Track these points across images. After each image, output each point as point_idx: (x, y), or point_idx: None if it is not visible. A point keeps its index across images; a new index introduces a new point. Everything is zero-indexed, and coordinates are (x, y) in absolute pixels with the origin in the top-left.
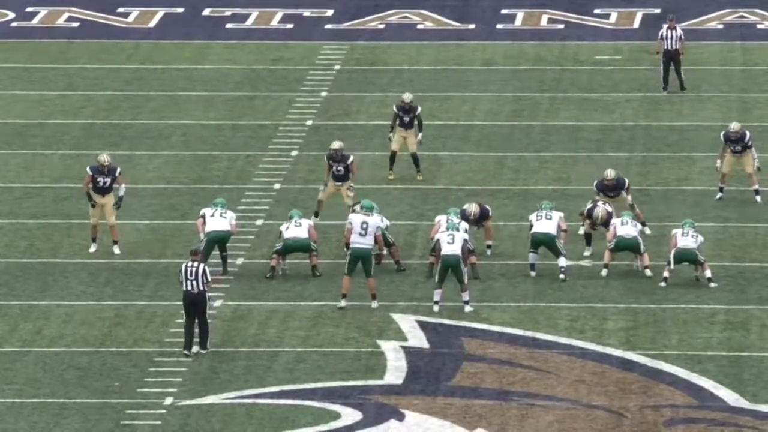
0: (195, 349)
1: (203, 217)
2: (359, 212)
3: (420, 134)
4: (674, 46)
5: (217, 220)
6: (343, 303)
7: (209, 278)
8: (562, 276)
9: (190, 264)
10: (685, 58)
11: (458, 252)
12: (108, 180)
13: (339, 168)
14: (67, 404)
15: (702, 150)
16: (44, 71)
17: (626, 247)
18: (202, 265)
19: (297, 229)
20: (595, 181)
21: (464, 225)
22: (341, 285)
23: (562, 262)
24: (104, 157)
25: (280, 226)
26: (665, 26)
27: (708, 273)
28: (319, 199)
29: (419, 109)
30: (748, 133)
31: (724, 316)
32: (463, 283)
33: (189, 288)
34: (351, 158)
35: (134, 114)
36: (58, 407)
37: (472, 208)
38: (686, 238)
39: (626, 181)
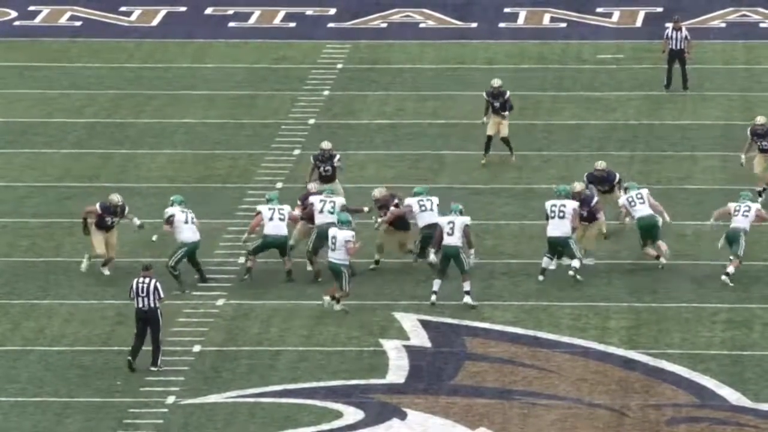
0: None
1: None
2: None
3: (506, 113)
4: (679, 46)
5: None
6: (326, 300)
7: (161, 294)
8: (577, 277)
9: (141, 280)
10: (690, 58)
11: (458, 243)
12: (116, 219)
13: (327, 168)
14: (70, 403)
15: (704, 149)
16: (46, 70)
17: (647, 227)
18: (153, 281)
19: (279, 224)
20: (586, 173)
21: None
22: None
23: (575, 263)
24: (116, 198)
25: (258, 206)
26: (670, 26)
27: (731, 269)
28: None
29: (508, 93)
30: None
31: (727, 315)
32: (464, 272)
33: (140, 305)
34: (338, 156)
35: (136, 113)
36: (61, 406)
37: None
38: (738, 217)
39: (617, 175)
